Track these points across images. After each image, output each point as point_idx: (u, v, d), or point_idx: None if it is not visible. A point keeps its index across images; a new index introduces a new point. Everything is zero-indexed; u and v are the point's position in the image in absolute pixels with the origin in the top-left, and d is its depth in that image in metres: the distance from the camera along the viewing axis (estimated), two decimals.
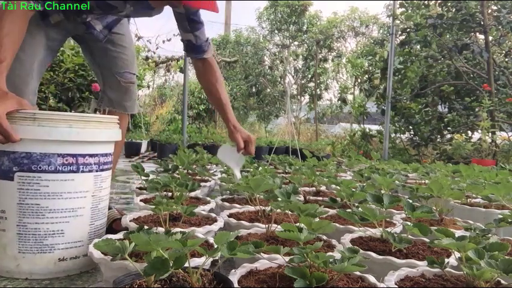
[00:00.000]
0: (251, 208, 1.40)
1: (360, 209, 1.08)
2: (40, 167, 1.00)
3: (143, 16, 1.50)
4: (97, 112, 1.58)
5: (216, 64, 1.68)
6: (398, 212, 1.45)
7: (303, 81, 10.89)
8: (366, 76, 7.27)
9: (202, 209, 1.34)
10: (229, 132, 1.70)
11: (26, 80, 1.33)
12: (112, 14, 1.44)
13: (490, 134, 4.49)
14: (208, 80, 1.66)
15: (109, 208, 1.39)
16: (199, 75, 1.69)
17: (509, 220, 1.15)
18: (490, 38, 4.90)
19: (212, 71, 1.65)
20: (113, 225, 1.37)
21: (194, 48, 1.57)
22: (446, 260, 0.82)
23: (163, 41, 8.34)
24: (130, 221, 1.18)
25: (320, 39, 10.36)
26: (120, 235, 1.02)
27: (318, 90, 10.00)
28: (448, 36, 5.26)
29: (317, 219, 0.94)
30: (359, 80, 8.27)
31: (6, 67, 1.06)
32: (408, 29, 5.40)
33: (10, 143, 0.97)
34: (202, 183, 1.88)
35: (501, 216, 1.19)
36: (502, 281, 0.79)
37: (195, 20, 1.51)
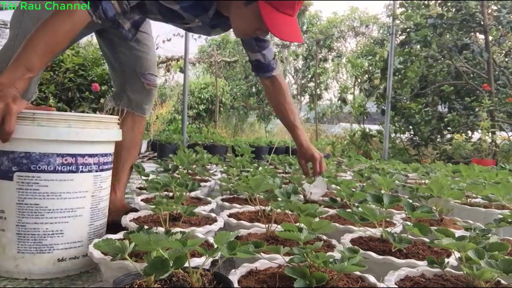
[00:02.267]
0: (251, 208, 1.40)
1: (360, 209, 1.08)
2: (39, 167, 1.00)
3: (201, 33, 1.48)
4: (114, 111, 1.54)
5: (284, 82, 1.66)
6: (398, 212, 1.45)
7: (303, 81, 10.89)
8: (366, 76, 7.27)
9: (202, 209, 1.34)
10: (301, 152, 1.67)
11: None
12: (173, 24, 1.38)
13: (490, 134, 4.49)
14: (277, 99, 1.64)
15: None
16: (268, 94, 1.67)
17: (509, 220, 1.15)
18: (490, 38, 4.90)
19: (281, 90, 1.63)
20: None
21: (263, 67, 1.56)
22: (446, 260, 0.82)
23: (163, 41, 8.35)
24: (130, 220, 1.18)
25: (320, 39, 10.36)
26: (120, 235, 1.02)
27: (318, 90, 10.01)
28: (447, 36, 5.26)
29: (317, 219, 0.94)
30: (359, 80, 8.27)
31: (31, 79, 1.04)
32: (408, 29, 5.40)
33: (7, 142, 0.97)
34: (202, 183, 1.88)
35: (501, 216, 1.19)
36: (502, 281, 0.79)
37: (262, 39, 1.50)
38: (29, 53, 1.04)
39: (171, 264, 0.67)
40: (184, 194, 1.29)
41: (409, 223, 1.00)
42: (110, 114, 1.54)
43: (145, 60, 1.53)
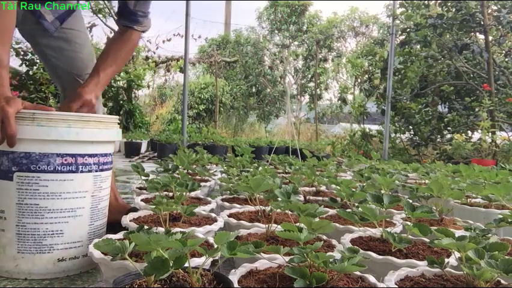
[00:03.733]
0: (251, 208, 1.40)
1: (360, 209, 1.08)
2: (39, 167, 1.00)
3: None
4: None
5: (134, 43, 1.44)
6: (398, 212, 1.45)
7: (303, 81, 10.89)
8: (366, 76, 7.27)
9: (202, 209, 1.34)
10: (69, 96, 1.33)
11: None
12: None
13: (490, 134, 4.49)
14: (113, 47, 1.39)
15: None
16: (110, 41, 1.43)
17: (509, 220, 1.15)
18: (490, 38, 4.90)
19: (126, 43, 1.40)
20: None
21: (128, 13, 1.36)
22: (446, 260, 0.82)
23: (163, 41, 8.36)
24: (130, 220, 1.18)
25: (320, 39, 10.37)
26: (120, 235, 1.02)
27: (318, 90, 10.01)
28: (448, 36, 5.26)
29: (317, 219, 0.94)
30: (359, 80, 8.27)
31: (6, 69, 1.03)
32: (408, 29, 5.41)
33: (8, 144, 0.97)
34: (202, 183, 1.88)
35: (501, 216, 1.19)
36: (502, 281, 0.79)
37: None
38: None
39: (171, 264, 0.67)
40: (184, 194, 1.29)
41: (409, 223, 1.00)
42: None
43: (79, 60, 1.43)
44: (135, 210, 1.34)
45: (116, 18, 1.48)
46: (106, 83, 1.36)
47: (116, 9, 1.43)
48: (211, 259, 0.81)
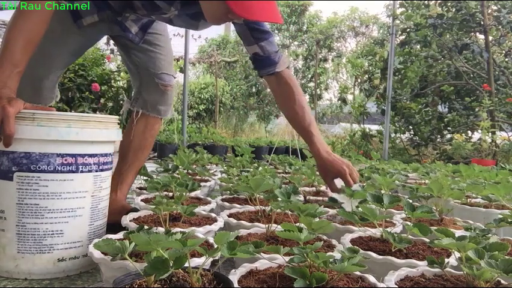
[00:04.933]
0: (251, 208, 1.40)
1: (360, 209, 1.08)
2: (39, 167, 1.00)
3: (188, 27, 1.42)
4: (130, 113, 1.54)
5: (293, 78, 1.45)
6: (398, 212, 1.45)
7: (303, 81, 10.89)
8: (366, 76, 7.26)
9: (202, 209, 1.34)
10: (319, 165, 1.41)
11: (48, 74, 1.33)
12: (155, 16, 1.37)
13: (490, 134, 4.49)
14: (284, 100, 1.42)
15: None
16: (274, 94, 1.47)
17: (509, 220, 1.15)
18: (490, 38, 4.90)
19: (289, 89, 1.41)
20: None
21: (262, 61, 1.39)
22: (446, 260, 0.82)
23: None
24: (130, 220, 1.18)
25: (320, 39, 10.36)
26: (120, 235, 1.02)
27: (318, 90, 10.01)
28: (447, 36, 5.26)
29: (317, 219, 0.94)
30: (359, 80, 8.26)
31: (20, 73, 1.05)
32: (408, 29, 5.40)
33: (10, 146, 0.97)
34: (202, 183, 1.88)
35: (501, 216, 1.19)
36: (502, 281, 0.79)
37: (258, 28, 1.37)
38: (10, 49, 1.04)
39: (171, 264, 0.67)
40: (184, 194, 1.29)
41: (409, 223, 1.00)
42: (127, 117, 1.53)
43: (158, 60, 1.51)
44: (135, 210, 1.35)
45: (258, 74, 1.51)
46: (319, 136, 1.47)
47: None
48: (211, 259, 0.81)
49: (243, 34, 1.40)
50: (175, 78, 1.59)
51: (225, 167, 2.30)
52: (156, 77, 1.51)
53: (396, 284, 0.79)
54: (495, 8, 5.07)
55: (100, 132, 1.08)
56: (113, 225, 1.23)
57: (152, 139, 1.57)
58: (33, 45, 1.10)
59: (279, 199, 1.21)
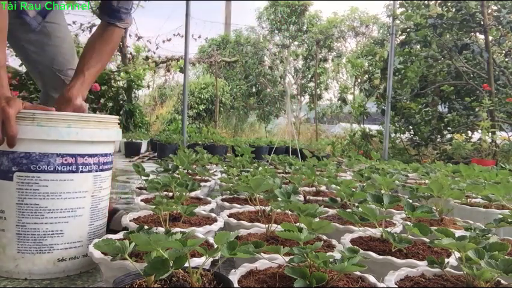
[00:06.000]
0: (251, 208, 1.40)
1: (360, 209, 1.08)
2: (39, 167, 1.00)
3: None
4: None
5: (116, 39, 1.41)
6: (398, 212, 1.45)
7: (303, 81, 10.89)
8: (366, 76, 7.27)
9: (202, 209, 1.34)
10: (59, 98, 1.28)
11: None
12: None
13: (490, 134, 4.49)
14: (95, 44, 1.34)
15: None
16: (92, 35, 1.38)
17: (509, 220, 1.15)
18: (490, 38, 4.90)
19: (107, 40, 1.36)
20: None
21: (111, 10, 1.33)
22: (446, 260, 0.82)
23: (163, 41, 8.35)
24: (130, 220, 1.18)
25: (320, 39, 10.36)
26: (120, 235, 1.02)
27: (318, 90, 10.00)
28: (447, 36, 5.26)
29: (317, 219, 0.94)
30: (359, 80, 8.27)
31: (5, 69, 1.04)
32: (408, 29, 5.40)
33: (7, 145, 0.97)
34: (202, 183, 1.88)
35: (501, 216, 1.19)
36: (502, 281, 0.79)
37: None
38: None
39: (171, 264, 0.67)
40: (184, 194, 1.29)
41: (409, 223, 1.00)
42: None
43: (60, 55, 1.41)
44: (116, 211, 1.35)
45: (98, 14, 1.44)
46: (91, 83, 1.35)
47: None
48: (211, 259, 0.81)
49: None
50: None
51: (225, 167, 2.30)
52: (61, 74, 1.41)
53: (396, 284, 0.79)
54: (495, 8, 5.07)
55: (100, 132, 1.08)
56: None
57: None
58: (4, 41, 1.07)
59: (279, 199, 1.21)
